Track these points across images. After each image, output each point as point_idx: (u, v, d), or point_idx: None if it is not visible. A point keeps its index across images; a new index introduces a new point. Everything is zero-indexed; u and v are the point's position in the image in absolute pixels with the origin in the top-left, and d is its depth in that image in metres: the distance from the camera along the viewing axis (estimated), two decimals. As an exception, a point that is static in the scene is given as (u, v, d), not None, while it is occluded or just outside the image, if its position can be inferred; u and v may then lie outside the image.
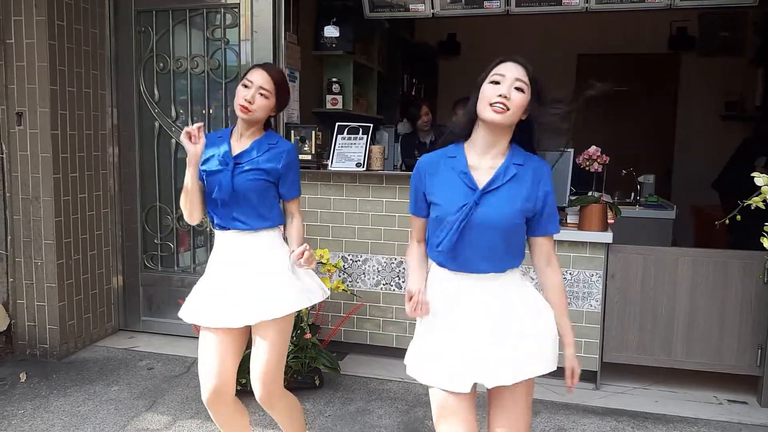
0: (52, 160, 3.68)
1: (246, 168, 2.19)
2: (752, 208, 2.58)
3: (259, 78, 2.18)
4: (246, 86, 2.17)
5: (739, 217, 2.56)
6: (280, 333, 2.22)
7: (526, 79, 1.70)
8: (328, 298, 2.48)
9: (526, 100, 1.69)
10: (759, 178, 2.55)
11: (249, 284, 2.18)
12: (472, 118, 1.75)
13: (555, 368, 1.77)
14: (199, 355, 2.20)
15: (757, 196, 2.55)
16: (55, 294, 3.76)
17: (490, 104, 1.67)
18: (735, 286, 3.29)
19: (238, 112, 2.18)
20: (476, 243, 1.70)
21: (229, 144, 2.22)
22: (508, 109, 1.66)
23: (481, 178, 1.71)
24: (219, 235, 2.26)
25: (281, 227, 2.31)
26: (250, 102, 2.15)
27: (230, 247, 2.22)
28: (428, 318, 1.79)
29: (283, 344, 2.25)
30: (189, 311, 2.24)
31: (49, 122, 3.65)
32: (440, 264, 1.78)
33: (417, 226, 1.87)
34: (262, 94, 2.16)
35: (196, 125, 2.10)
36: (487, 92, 1.68)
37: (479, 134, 1.74)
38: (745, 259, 3.26)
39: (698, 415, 3.17)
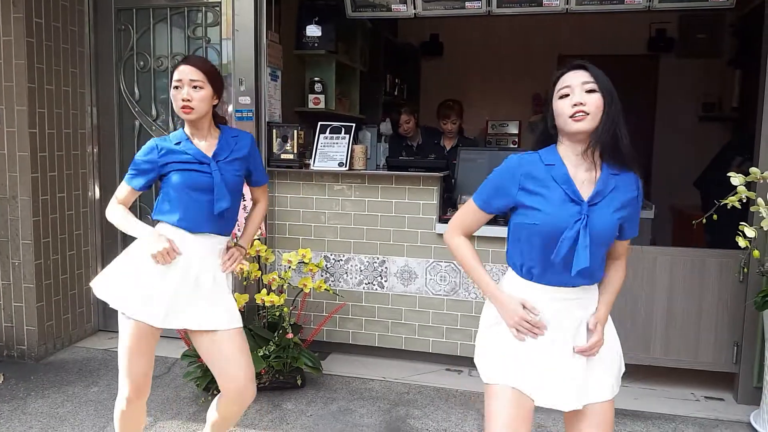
0: (30, 159, 3.63)
1: (228, 160, 2.19)
2: (728, 207, 2.63)
3: (186, 73, 2.12)
4: (177, 87, 2.13)
5: (715, 217, 2.61)
6: (244, 340, 2.26)
7: (591, 79, 1.66)
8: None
9: (601, 100, 1.64)
10: (735, 178, 2.60)
11: (210, 288, 2.18)
12: (550, 139, 1.74)
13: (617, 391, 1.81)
14: (131, 349, 2.15)
15: (733, 195, 2.61)
16: (33, 295, 3.72)
17: (570, 116, 1.64)
18: (712, 285, 3.34)
19: (183, 115, 2.14)
20: None
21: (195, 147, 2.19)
22: (586, 114, 1.62)
23: (582, 190, 1.66)
24: (187, 238, 2.16)
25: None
26: (188, 100, 2.11)
27: (196, 250, 2.17)
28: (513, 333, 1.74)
29: None
30: (132, 303, 2.12)
31: (27, 121, 3.60)
32: (529, 277, 1.73)
33: (474, 220, 1.80)
34: (195, 87, 2.12)
35: (171, 247, 2.10)
36: (560, 107, 1.66)
37: (567, 148, 1.70)
38: (721, 258, 3.31)
39: (676, 411, 3.22)
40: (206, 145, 2.20)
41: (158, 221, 2.21)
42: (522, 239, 1.71)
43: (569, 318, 1.72)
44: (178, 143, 2.18)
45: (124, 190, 2.22)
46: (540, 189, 1.67)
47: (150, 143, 2.19)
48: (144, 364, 2.21)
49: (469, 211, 1.79)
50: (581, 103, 1.63)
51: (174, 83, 2.14)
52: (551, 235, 1.64)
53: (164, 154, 2.15)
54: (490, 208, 1.76)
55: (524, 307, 1.71)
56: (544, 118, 1.76)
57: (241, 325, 2.25)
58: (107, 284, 2.20)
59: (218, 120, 2.29)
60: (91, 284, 2.25)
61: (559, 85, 1.69)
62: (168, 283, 2.13)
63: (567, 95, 1.66)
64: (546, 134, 1.75)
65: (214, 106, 2.22)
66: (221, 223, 2.20)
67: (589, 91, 1.64)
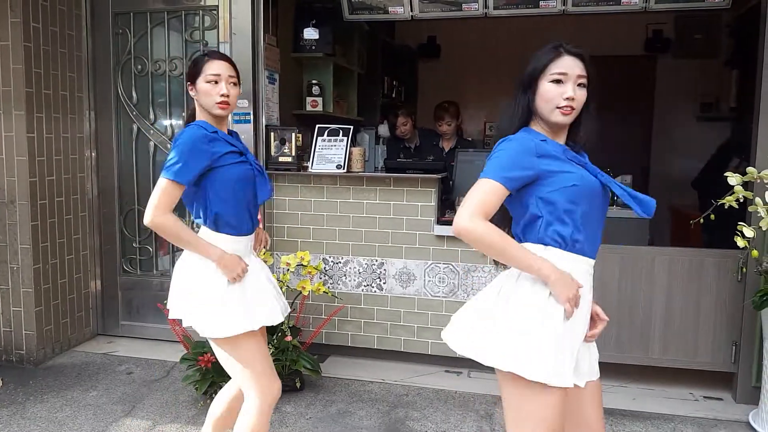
0: (28, 163, 3.63)
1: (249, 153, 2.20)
2: (726, 207, 2.63)
3: (224, 69, 2.08)
4: (215, 82, 2.06)
5: (713, 217, 2.61)
6: None
7: (585, 74, 1.66)
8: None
9: (585, 95, 1.67)
10: (732, 178, 2.60)
11: (270, 281, 2.26)
12: (526, 119, 1.72)
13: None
14: (257, 358, 2.10)
15: (730, 195, 2.61)
16: (32, 299, 3.71)
17: (558, 107, 1.63)
18: (710, 285, 3.34)
19: (217, 111, 2.07)
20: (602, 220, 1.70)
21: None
22: (573, 110, 1.65)
23: None
24: (236, 242, 2.12)
25: None
26: (227, 96, 2.07)
27: (245, 250, 2.17)
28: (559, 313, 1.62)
29: None
30: (243, 319, 2.06)
31: (25, 125, 3.60)
32: (573, 248, 1.64)
33: (496, 202, 1.62)
34: (233, 84, 2.11)
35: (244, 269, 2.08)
36: (551, 93, 1.64)
37: (545, 129, 1.71)
38: (720, 257, 3.31)
39: (675, 411, 3.22)
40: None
41: (200, 227, 2.13)
42: (563, 207, 1.62)
43: (591, 292, 1.72)
44: (215, 131, 2.07)
45: (174, 190, 1.97)
46: (556, 154, 1.64)
47: (198, 132, 2.01)
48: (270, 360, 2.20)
49: (489, 192, 1.61)
50: (573, 98, 1.63)
51: (211, 77, 2.06)
52: (592, 192, 1.65)
53: (217, 145, 2.04)
54: (512, 184, 1.61)
55: None
56: (524, 92, 1.70)
57: None
58: (207, 322, 2.06)
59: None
60: (204, 333, 2.07)
61: (554, 68, 1.65)
62: (248, 289, 2.11)
63: (560, 81, 1.64)
64: (526, 114, 1.71)
65: None
66: (254, 218, 2.21)
67: (580, 85, 1.66)
